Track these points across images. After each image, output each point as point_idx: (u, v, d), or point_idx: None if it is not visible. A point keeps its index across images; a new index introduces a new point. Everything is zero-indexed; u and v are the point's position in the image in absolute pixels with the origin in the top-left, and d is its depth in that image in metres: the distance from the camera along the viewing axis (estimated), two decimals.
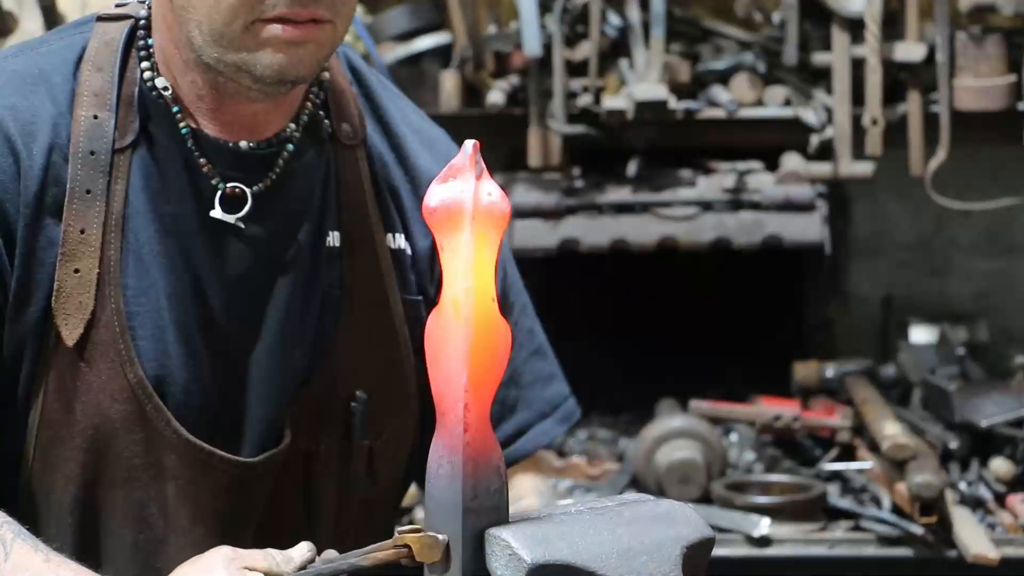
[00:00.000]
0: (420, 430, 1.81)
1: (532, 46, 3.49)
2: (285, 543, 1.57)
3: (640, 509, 1.32)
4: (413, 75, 3.64)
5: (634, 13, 3.54)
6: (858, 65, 3.48)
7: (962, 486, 3.23)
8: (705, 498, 3.27)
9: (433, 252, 1.76)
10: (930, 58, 3.47)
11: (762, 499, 3.22)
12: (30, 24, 3.38)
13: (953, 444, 3.30)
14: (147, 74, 1.68)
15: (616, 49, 3.59)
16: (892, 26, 3.48)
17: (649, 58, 3.51)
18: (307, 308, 1.72)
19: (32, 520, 1.65)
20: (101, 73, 1.67)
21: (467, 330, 1.26)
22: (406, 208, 1.79)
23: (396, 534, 1.33)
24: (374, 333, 1.75)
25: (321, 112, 1.74)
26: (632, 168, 3.61)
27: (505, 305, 1.81)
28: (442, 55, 3.67)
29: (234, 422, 1.70)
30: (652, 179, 3.62)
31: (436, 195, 1.30)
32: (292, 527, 1.70)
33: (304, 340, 1.72)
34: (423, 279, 1.81)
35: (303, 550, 1.54)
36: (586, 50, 3.55)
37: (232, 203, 1.68)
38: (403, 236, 1.79)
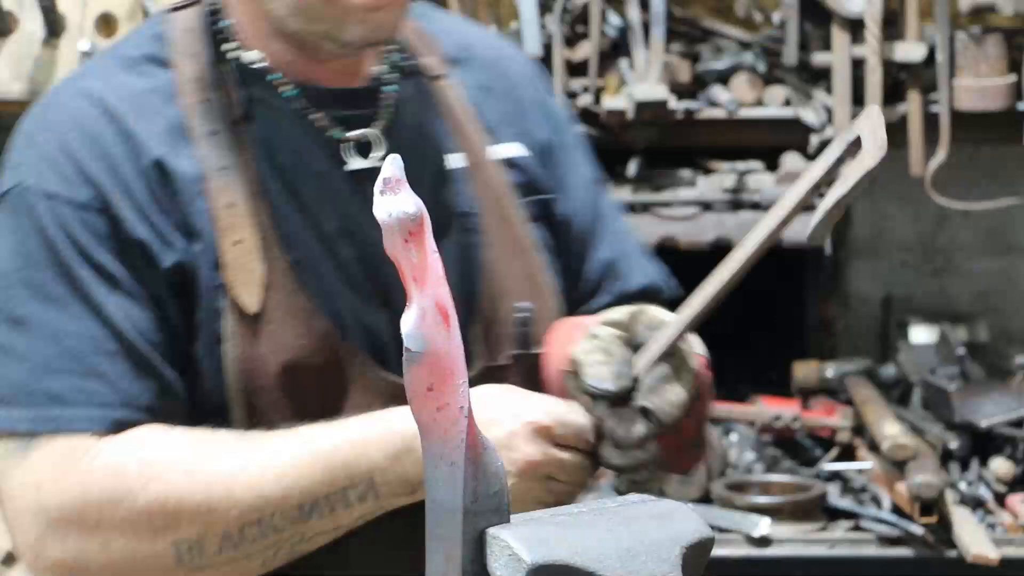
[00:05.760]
0: None
1: (532, 46, 3.49)
2: None
3: (640, 509, 1.32)
4: None
5: (634, 13, 3.55)
6: (858, 65, 3.48)
7: (962, 486, 3.23)
8: (705, 498, 3.27)
9: (548, 147, 1.86)
10: (930, 58, 3.48)
11: (762, 499, 3.22)
12: (30, 24, 3.38)
13: (953, 444, 3.30)
14: (234, 52, 1.72)
15: (616, 49, 3.59)
16: (892, 26, 3.49)
17: (649, 58, 3.52)
18: (444, 231, 1.74)
19: None
20: (194, 59, 1.72)
21: (461, 332, 1.26)
22: (497, 119, 1.85)
23: None
24: (510, 248, 1.79)
25: (400, 52, 1.80)
26: (632, 168, 3.61)
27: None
28: None
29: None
30: (652, 179, 3.62)
31: (385, 208, 1.29)
32: None
33: (449, 262, 1.74)
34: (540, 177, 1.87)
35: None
36: (586, 50, 3.56)
37: (362, 149, 1.73)
38: (508, 143, 1.84)
